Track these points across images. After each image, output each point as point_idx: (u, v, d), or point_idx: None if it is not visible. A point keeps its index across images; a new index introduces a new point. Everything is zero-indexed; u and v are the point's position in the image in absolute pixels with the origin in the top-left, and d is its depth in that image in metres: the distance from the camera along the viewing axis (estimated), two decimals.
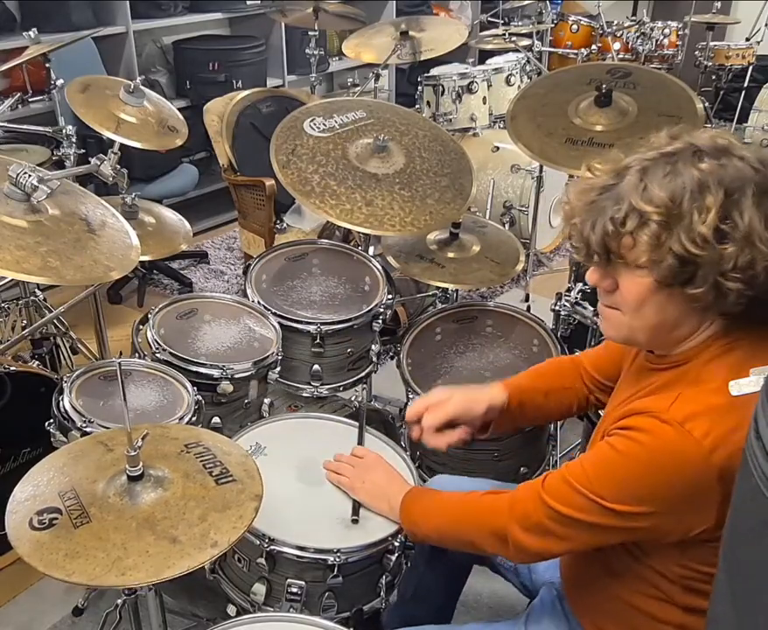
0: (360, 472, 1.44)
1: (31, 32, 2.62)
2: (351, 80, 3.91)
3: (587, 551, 1.16)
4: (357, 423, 1.65)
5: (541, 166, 3.40)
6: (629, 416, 1.07)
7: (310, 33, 3.71)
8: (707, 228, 0.97)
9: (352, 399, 2.23)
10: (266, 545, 1.33)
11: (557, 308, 2.27)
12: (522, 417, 1.45)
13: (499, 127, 4.16)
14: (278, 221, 3.35)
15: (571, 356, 1.52)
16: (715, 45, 5.19)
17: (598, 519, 1.06)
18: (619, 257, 1.04)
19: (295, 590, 1.36)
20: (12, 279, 2.24)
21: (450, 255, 2.27)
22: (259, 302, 2.05)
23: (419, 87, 4.09)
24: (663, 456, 1.00)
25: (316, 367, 2.05)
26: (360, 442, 1.59)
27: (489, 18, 5.02)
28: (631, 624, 1.17)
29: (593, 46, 5.02)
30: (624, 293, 1.07)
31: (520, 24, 4.92)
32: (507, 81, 4.16)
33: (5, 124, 2.81)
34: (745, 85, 5.18)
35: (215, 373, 1.80)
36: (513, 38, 4.18)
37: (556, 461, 2.14)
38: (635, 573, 1.13)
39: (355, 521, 1.39)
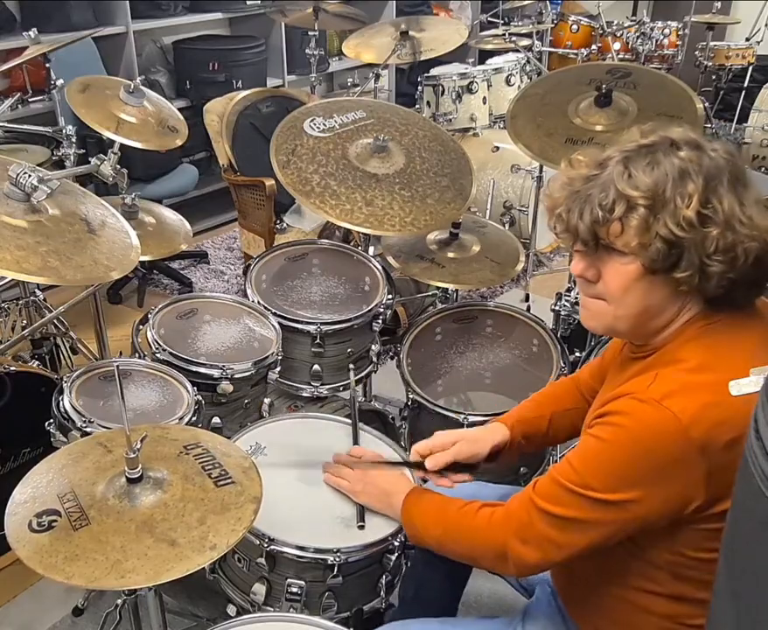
0: (360, 474, 1.43)
1: (31, 32, 2.62)
2: (351, 80, 3.90)
3: None
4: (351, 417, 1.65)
5: (541, 166, 3.40)
6: (609, 401, 1.08)
7: (310, 33, 3.71)
8: (691, 212, 1.01)
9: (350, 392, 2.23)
10: (266, 545, 1.33)
11: (557, 308, 2.27)
12: (529, 447, 1.46)
13: (499, 127, 4.16)
14: (278, 221, 3.35)
15: (570, 376, 1.53)
16: (715, 45, 5.19)
17: (593, 514, 1.06)
18: (607, 244, 1.07)
19: (295, 590, 1.36)
20: (12, 279, 2.24)
21: (450, 255, 2.26)
22: (259, 302, 2.05)
23: (419, 87, 4.09)
24: (644, 435, 1.02)
25: (316, 367, 2.05)
26: (356, 441, 1.58)
27: (489, 18, 5.02)
28: (621, 616, 1.17)
29: (593, 46, 5.02)
30: (608, 282, 1.10)
31: (520, 24, 4.92)
32: (507, 81, 4.16)
33: (5, 124, 2.81)
34: (745, 85, 5.19)
35: (215, 373, 1.80)
36: (513, 38, 4.18)
37: (556, 460, 2.14)
38: (624, 566, 1.14)
39: (362, 528, 1.39)
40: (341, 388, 2.14)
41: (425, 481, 1.51)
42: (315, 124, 2.23)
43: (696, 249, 1.02)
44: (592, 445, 1.07)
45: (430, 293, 2.94)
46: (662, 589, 1.11)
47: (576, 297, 2.28)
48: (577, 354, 2.24)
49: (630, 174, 1.04)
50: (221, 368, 1.80)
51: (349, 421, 1.66)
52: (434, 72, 4.09)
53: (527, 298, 3.58)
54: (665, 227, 1.02)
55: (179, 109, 2.44)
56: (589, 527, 1.08)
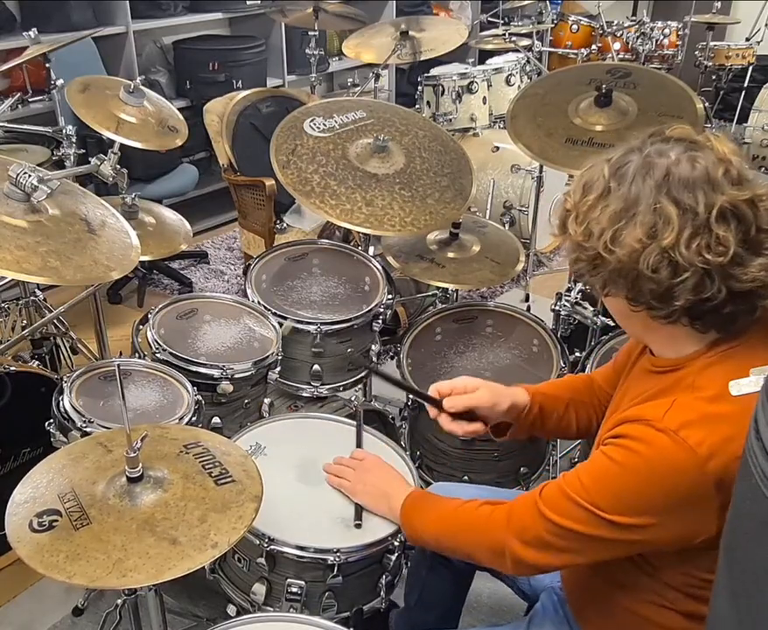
0: (360, 474, 1.43)
1: (31, 32, 2.62)
2: (351, 80, 3.90)
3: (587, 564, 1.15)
4: (356, 424, 1.65)
5: (541, 166, 3.40)
6: (624, 423, 1.06)
7: (310, 33, 3.71)
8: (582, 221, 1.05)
9: (352, 399, 2.23)
10: (266, 545, 1.33)
11: (557, 308, 2.28)
12: (543, 424, 1.42)
13: (499, 127, 4.16)
14: (278, 221, 3.35)
15: (585, 374, 1.51)
16: (715, 45, 5.19)
17: (597, 531, 1.05)
18: None
19: (295, 590, 1.36)
20: (12, 279, 2.24)
21: (450, 255, 2.27)
22: (259, 302, 2.05)
23: (419, 87, 4.09)
24: (659, 465, 0.99)
25: (316, 367, 2.05)
26: (359, 444, 1.58)
27: (489, 18, 5.02)
28: (631, 629, 1.16)
29: (593, 46, 5.02)
30: None
31: (520, 24, 4.92)
32: (507, 81, 4.16)
33: (5, 124, 2.81)
34: (745, 85, 5.18)
35: (215, 373, 1.80)
36: (513, 38, 4.19)
37: (556, 461, 2.14)
38: (637, 581, 1.13)
39: (358, 526, 1.39)
40: (341, 388, 2.15)
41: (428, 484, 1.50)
42: (315, 124, 2.23)
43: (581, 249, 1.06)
44: (604, 465, 1.05)
45: (430, 293, 2.94)
46: (674, 606, 1.10)
47: (577, 298, 2.29)
48: (577, 354, 2.25)
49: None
50: (221, 368, 1.80)
51: (349, 421, 1.66)
52: (434, 72, 4.09)
53: (527, 298, 3.58)
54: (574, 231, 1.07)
55: (179, 109, 2.45)
56: (592, 541, 1.06)
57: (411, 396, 1.95)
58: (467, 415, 1.36)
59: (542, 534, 1.09)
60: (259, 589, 1.38)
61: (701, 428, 0.98)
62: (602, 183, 1.04)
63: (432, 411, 1.39)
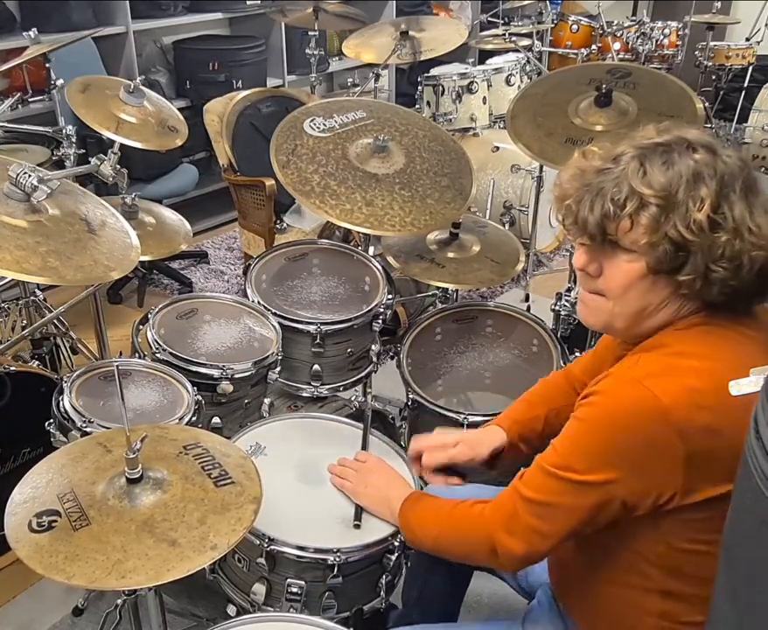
0: (362, 476, 1.44)
1: (31, 32, 2.62)
2: (351, 80, 3.91)
3: (570, 547, 1.17)
4: (357, 424, 1.65)
5: (541, 166, 3.40)
6: (593, 385, 1.09)
7: (310, 33, 3.72)
8: (702, 216, 1.01)
9: (353, 399, 2.23)
10: (266, 545, 1.33)
11: (557, 308, 2.27)
12: (528, 448, 1.45)
13: (499, 127, 4.16)
14: (278, 221, 3.35)
15: (562, 370, 1.53)
16: (715, 45, 5.19)
17: (572, 498, 1.06)
18: (614, 240, 1.07)
19: (295, 590, 1.36)
20: (12, 279, 2.24)
21: (450, 255, 2.26)
22: (259, 302, 2.05)
23: (419, 87, 4.09)
24: (623, 413, 1.02)
25: (316, 367, 2.05)
26: (364, 446, 1.58)
27: (489, 18, 5.02)
28: (616, 614, 1.17)
29: (593, 46, 5.02)
30: (608, 278, 1.10)
31: (520, 24, 4.92)
32: (507, 81, 4.16)
33: (5, 124, 2.81)
34: (745, 85, 5.19)
35: (215, 373, 1.80)
36: (513, 38, 4.19)
37: None
38: (615, 556, 1.14)
39: (357, 527, 1.39)
40: (341, 388, 2.14)
41: (427, 484, 1.51)
42: (315, 124, 2.23)
43: (703, 254, 1.02)
44: (573, 426, 1.09)
45: (430, 293, 2.94)
46: (654, 584, 1.11)
47: (577, 297, 2.28)
48: (577, 354, 2.24)
49: (645, 171, 1.04)
50: (221, 368, 1.80)
51: (349, 421, 1.67)
52: (434, 72, 4.10)
53: (527, 298, 3.58)
54: (674, 228, 1.01)
55: (179, 109, 2.45)
56: (570, 512, 1.08)
57: (411, 397, 1.95)
58: (446, 468, 1.39)
59: (524, 517, 1.11)
60: (259, 589, 1.38)
61: (665, 377, 1.01)
62: (689, 172, 1.03)
63: (415, 469, 1.44)
